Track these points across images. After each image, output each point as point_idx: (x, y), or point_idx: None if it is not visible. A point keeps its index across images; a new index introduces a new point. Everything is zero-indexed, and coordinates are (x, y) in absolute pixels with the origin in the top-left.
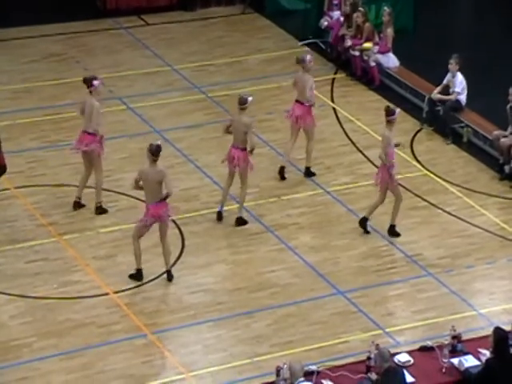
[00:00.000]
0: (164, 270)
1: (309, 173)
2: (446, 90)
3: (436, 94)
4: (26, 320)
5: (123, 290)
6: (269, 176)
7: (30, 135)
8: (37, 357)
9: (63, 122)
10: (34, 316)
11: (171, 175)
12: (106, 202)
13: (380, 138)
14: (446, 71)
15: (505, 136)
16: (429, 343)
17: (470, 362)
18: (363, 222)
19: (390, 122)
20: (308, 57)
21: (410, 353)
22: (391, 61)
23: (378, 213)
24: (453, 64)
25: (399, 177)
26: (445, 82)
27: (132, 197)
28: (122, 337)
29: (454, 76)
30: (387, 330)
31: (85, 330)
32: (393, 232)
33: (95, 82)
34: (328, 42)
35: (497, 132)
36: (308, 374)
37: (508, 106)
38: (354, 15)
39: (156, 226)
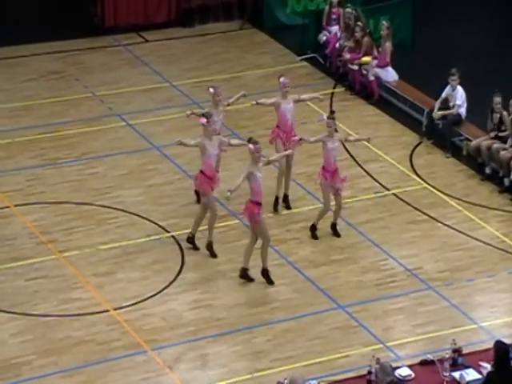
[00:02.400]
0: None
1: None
2: (445, 104)
3: (437, 112)
4: (25, 338)
5: (123, 307)
6: (268, 191)
7: (29, 153)
8: (37, 375)
9: (62, 139)
10: (34, 334)
11: (170, 191)
12: (105, 219)
13: (379, 152)
14: (445, 84)
15: (505, 149)
16: (430, 357)
17: (471, 375)
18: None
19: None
20: (282, 79)
21: (410, 367)
22: (390, 75)
23: (378, 226)
24: (455, 78)
25: (399, 190)
26: (443, 95)
27: (132, 213)
28: (122, 354)
29: (454, 89)
30: (388, 344)
31: (85, 348)
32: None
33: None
34: (326, 55)
35: (496, 145)
36: None
37: (510, 118)
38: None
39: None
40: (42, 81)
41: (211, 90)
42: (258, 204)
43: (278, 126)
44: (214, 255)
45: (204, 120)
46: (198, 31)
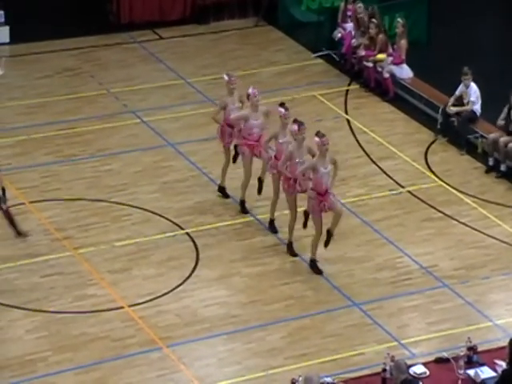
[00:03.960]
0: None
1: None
2: (459, 101)
3: (451, 108)
4: (41, 334)
5: (138, 304)
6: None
7: (44, 150)
8: (52, 371)
9: (77, 136)
10: (49, 330)
11: (185, 188)
12: (120, 216)
13: (394, 150)
14: (460, 81)
15: None
16: (444, 355)
17: (486, 373)
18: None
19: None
20: (250, 90)
21: (425, 364)
22: (405, 72)
23: (393, 224)
24: (468, 77)
25: (414, 188)
26: (457, 93)
27: (147, 210)
28: (137, 350)
29: (467, 86)
30: (402, 341)
31: (100, 344)
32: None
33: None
34: (341, 52)
35: (511, 144)
36: None
37: None
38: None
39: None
40: (57, 78)
41: (225, 77)
42: (320, 194)
43: (244, 137)
44: (294, 254)
45: (295, 128)
46: (212, 28)
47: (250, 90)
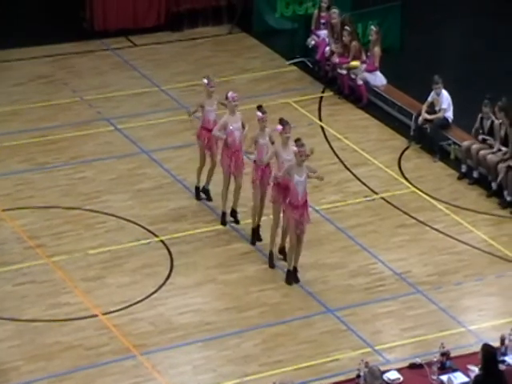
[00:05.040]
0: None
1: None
2: (431, 108)
3: (424, 114)
4: (13, 343)
5: (112, 312)
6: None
7: (18, 158)
8: (25, 380)
9: (50, 143)
10: (22, 339)
11: (159, 195)
12: (94, 224)
13: (367, 156)
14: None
15: (492, 153)
16: (418, 360)
17: (459, 378)
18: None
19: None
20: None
21: (399, 370)
22: (378, 79)
23: (367, 230)
24: (439, 85)
25: (387, 194)
26: (429, 99)
27: (121, 218)
28: (111, 358)
29: (439, 94)
30: (376, 347)
31: (73, 353)
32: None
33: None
34: (315, 59)
35: (484, 151)
36: None
37: (497, 122)
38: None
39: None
40: (31, 85)
41: (204, 80)
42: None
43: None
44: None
45: (280, 128)
46: (187, 35)
47: (230, 94)
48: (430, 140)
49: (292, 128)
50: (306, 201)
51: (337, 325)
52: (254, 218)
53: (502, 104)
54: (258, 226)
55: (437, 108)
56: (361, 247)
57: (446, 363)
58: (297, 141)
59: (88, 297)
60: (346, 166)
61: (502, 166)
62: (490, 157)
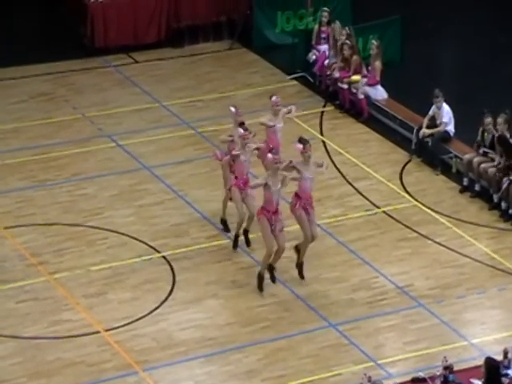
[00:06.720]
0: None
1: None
2: (432, 122)
3: (424, 130)
4: (15, 361)
5: (114, 328)
6: None
7: (19, 175)
8: None
9: (52, 160)
10: (24, 356)
11: (161, 211)
12: (95, 240)
13: (369, 170)
14: (433, 103)
15: (493, 166)
16: (421, 374)
17: None
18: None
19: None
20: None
21: None
22: (379, 93)
23: (369, 244)
24: (439, 98)
25: (389, 208)
26: (430, 113)
27: (122, 234)
28: (113, 375)
29: (439, 108)
30: (379, 361)
31: (75, 369)
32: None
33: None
34: (314, 72)
35: (485, 164)
36: None
37: (496, 136)
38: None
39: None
40: (32, 102)
41: (232, 109)
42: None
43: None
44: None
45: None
46: (187, 51)
47: (274, 98)
48: (431, 153)
49: (292, 143)
50: (311, 197)
51: (339, 339)
52: (239, 226)
53: (507, 116)
54: (247, 231)
55: (438, 122)
56: (362, 261)
57: (449, 377)
58: (300, 139)
59: (90, 313)
60: (347, 180)
61: (505, 180)
62: (491, 170)
